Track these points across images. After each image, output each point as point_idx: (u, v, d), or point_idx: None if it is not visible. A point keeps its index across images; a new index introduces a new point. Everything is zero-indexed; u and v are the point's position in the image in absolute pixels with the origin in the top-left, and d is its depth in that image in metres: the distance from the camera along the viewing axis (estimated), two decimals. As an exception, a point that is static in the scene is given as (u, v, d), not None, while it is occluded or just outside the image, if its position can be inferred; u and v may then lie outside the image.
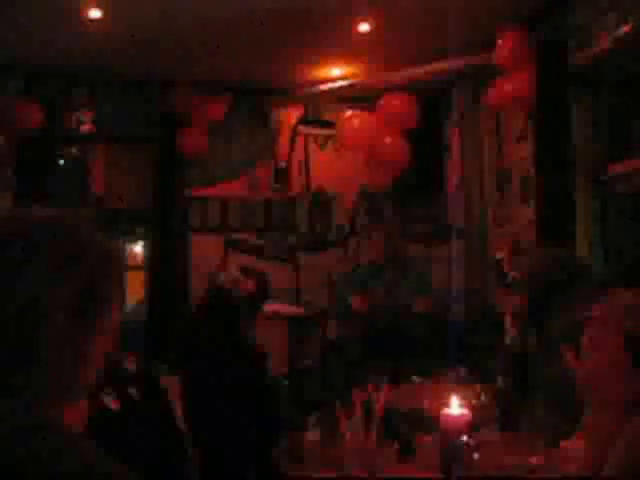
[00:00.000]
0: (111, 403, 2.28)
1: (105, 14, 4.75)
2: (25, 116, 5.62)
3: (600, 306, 1.67)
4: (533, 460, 2.24)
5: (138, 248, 6.70)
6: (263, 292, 3.14)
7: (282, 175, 6.64)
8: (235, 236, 6.50)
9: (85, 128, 6.17)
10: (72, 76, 5.99)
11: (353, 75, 5.96)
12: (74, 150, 6.65)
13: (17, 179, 5.87)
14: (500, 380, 2.89)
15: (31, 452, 0.88)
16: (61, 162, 6.54)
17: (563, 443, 2.14)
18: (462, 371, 3.21)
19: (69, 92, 6.10)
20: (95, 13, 4.74)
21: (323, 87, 6.08)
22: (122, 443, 0.99)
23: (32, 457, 0.88)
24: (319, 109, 6.69)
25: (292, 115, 6.68)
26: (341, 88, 6.00)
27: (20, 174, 5.88)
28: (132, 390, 2.43)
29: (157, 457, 2.05)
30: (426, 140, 6.08)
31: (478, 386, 2.87)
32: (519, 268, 2.63)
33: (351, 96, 6.18)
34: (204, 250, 6.31)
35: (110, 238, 1.11)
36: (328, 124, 6.54)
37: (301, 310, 6.12)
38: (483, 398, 2.76)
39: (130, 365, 2.52)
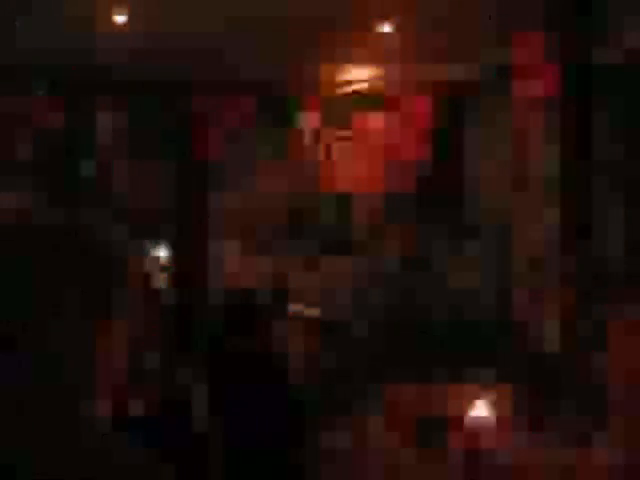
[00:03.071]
0: (134, 403, 2.28)
1: (128, 17, 4.79)
2: (50, 121, 5.67)
3: (633, 307, 1.64)
4: (562, 461, 2.20)
5: (162, 252, 6.72)
6: (285, 293, 3.12)
7: (304, 178, 6.64)
8: (257, 237, 6.51)
9: (109, 133, 6.21)
10: (94, 78, 6.03)
11: (376, 77, 5.94)
12: (98, 155, 6.70)
13: (43, 184, 5.91)
14: (528, 381, 2.85)
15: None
16: (86, 167, 6.58)
17: (593, 443, 2.10)
18: (488, 372, 3.17)
19: (91, 93, 6.15)
20: (120, 18, 4.78)
21: (344, 88, 6.08)
22: (145, 443, 0.99)
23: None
24: (340, 110, 6.68)
25: (313, 116, 6.68)
26: (364, 90, 5.99)
27: (46, 179, 5.92)
28: (155, 390, 2.43)
29: (180, 457, 2.05)
30: (448, 140, 6.05)
31: (504, 387, 2.83)
32: (549, 269, 2.61)
33: (372, 97, 6.17)
34: (226, 252, 6.32)
35: (128, 240, 1.11)
36: (349, 125, 6.52)
37: (324, 313, 6.10)
38: (509, 399, 2.72)
39: (153, 365, 2.52)
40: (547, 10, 4.71)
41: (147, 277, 4.26)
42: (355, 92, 6.06)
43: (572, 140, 4.53)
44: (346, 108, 6.62)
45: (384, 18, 4.93)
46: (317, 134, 6.66)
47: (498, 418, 1.85)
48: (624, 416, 1.56)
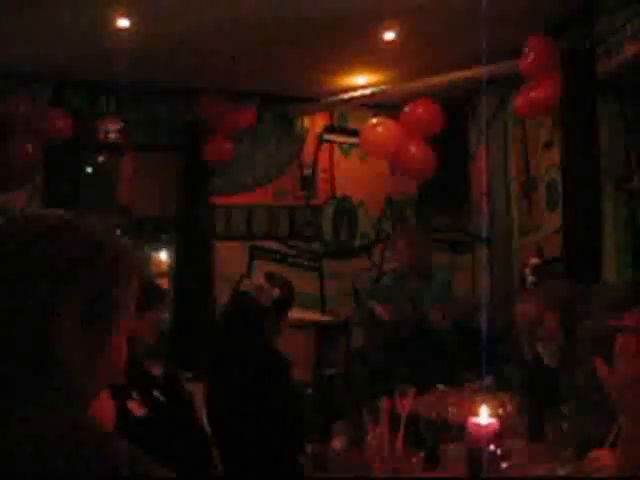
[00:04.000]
0: (136, 407, 2.29)
1: (133, 23, 4.80)
2: (54, 125, 5.68)
3: (632, 314, 1.65)
4: (562, 470, 2.20)
5: (164, 255, 6.74)
6: (288, 299, 3.13)
7: (307, 183, 6.65)
8: (260, 244, 6.52)
9: (112, 136, 6.23)
10: (99, 85, 6.05)
11: (378, 83, 5.95)
12: (101, 158, 6.73)
13: (46, 187, 5.93)
14: (526, 389, 2.85)
15: (66, 454, 0.88)
16: (89, 170, 6.61)
17: (593, 452, 2.10)
18: (489, 380, 3.17)
19: (97, 101, 6.17)
20: (123, 22, 4.79)
21: (348, 95, 6.08)
22: (147, 446, 0.99)
23: (67, 459, 0.88)
24: (344, 117, 6.70)
25: (317, 123, 6.69)
26: (366, 96, 6.00)
27: (49, 182, 5.94)
28: (157, 394, 2.43)
29: (182, 460, 2.06)
30: (451, 147, 6.05)
31: (505, 395, 2.83)
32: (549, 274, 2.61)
33: (376, 104, 6.17)
34: (229, 257, 6.33)
35: (130, 243, 1.11)
36: (353, 132, 6.54)
37: (326, 318, 6.11)
38: (510, 407, 2.72)
39: (155, 369, 2.52)
40: (549, 19, 4.73)
41: (150, 278, 4.26)
42: (357, 98, 6.06)
43: (574, 146, 4.53)
44: (349, 113, 6.64)
45: (387, 25, 4.94)
46: (320, 139, 6.68)
47: (496, 426, 1.85)
48: (626, 424, 1.56)
